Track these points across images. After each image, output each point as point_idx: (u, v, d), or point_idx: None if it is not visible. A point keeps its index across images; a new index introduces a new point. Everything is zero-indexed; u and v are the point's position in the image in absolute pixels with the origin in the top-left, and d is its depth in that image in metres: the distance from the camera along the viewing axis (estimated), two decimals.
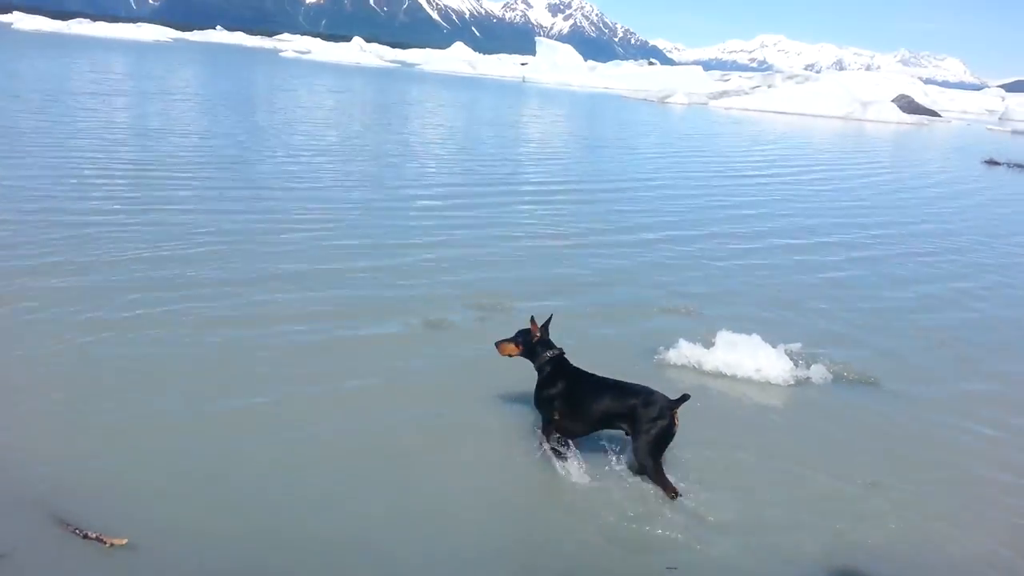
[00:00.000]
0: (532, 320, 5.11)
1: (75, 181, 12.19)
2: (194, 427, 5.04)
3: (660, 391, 4.79)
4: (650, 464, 4.62)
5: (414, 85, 60.86)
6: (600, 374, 5.02)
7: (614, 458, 4.93)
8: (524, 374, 5.28)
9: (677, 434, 4.72)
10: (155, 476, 4.45)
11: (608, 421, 4.78)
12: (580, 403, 4.80)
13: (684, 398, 4.70)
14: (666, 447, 4.69)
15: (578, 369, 4.99)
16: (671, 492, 4.60)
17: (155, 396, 5.41)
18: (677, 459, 5.10)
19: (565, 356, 5.04)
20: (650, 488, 4.71)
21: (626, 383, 4.86)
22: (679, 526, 4.39)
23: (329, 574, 3.79)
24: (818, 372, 6.73)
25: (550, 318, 5.19)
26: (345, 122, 27.14)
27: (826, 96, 62.97)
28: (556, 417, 4.86)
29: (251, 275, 8.21)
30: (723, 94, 70.08)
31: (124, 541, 3.81)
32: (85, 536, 3.83)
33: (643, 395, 4.70)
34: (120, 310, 6.89)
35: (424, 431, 5.30)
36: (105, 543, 3.79)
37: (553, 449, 4.89)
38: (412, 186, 14.79)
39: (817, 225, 14.26)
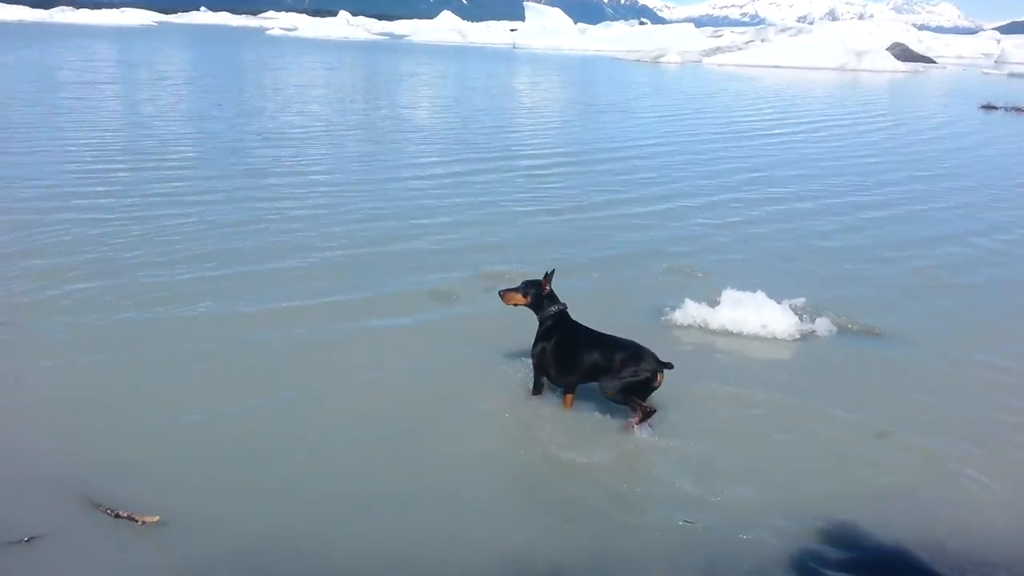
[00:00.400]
0: (546, 275, 5.29)
1: (73, 173, 12.20)
2: (215, 407, 5.13)
3: (652, 350, 4.95)
4: (613, 399, 4.94)
5: (404, 57, 60.30)
6: (605, 332, 5.17)
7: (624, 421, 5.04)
8: (528, 333, 5.41)
9: (672, 393, 4.96)
10: (181, 456, 4.55)
11: (595, 374, 5.01)
12: (572, 356, 5.05)
13: (668, 365, 4.92)
14: (632, 394, 4.88)
15: (576, 324, 5.23)
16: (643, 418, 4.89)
17: (172, 380, 5.50)
18: (688, 415, 5.21)
19: (567, 312, 5.26)
20: (658, 445, 4.82)
21: (620, 339, 5.05)
22: (691, 480, 4.49)
23: (355, 543, 3.89)
24: (823, 325, 6.81)
25: (552, 271, 5.36)
26: (338, 100, 26.97)
27: (820, 48, 62.42)
28: (548, 370, 5.16)
29: (255, 258, 8.26)
30: (716, 51, 69.46)
31: (156, 519, 3.91)
32: (117, 516, 3.93)
33: (630, 350, 4.92)
34: (135, 296, 6.97)
35: (431, 398, 5.39)
36: (137, 521, 3.90)
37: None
38: (409, 163, 14.74)
39: (820, 181, 14.23)
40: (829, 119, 26.05)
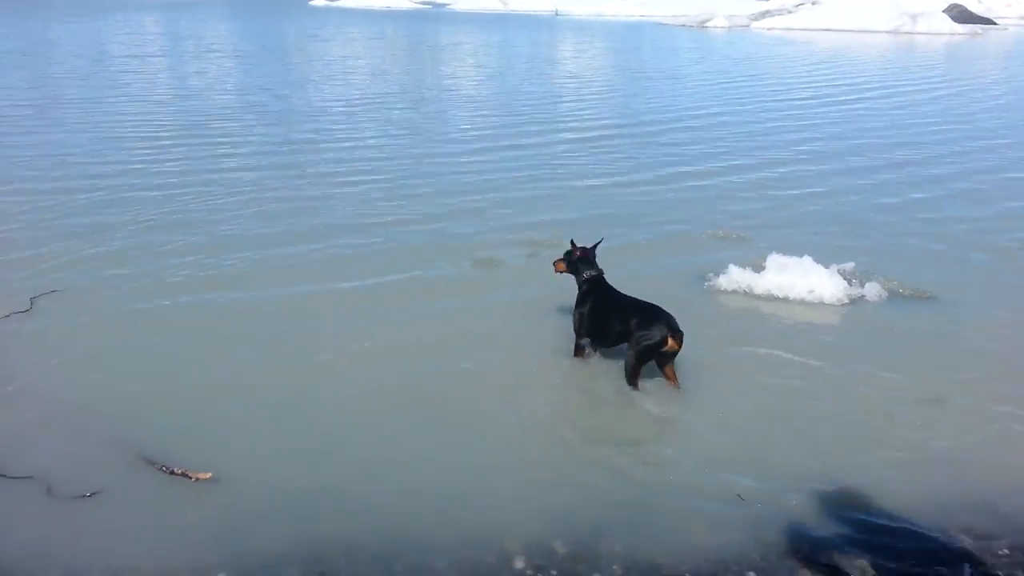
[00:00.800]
0: (571, 242, 5.53)
1: (124, 144, 12.48)
2: (263, 375, 5.25)
3: (671, 315, 4.94)
4: (628, 366, 4.95)
5: (446, 26, 59.93)
6: (644, 299, 5.17)
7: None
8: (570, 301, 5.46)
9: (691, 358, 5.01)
10: (233, 416, 4.69)
11: (619, 338, 5.08)
12: (599, 320, 5.19)
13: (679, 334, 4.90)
14: (648, 359, 4.92)
15: (610, 289, 5.30)
16: (632, 386, 4.96)
17: (221, 349, 5.63)
18: (730, 379, 5.18)
19: (603, 277, 5.35)
20: (700, 409, 4.81)
21: (642, 304, 5.08)
22: (732, 443, 4.47)
23: (395, 501, 3.97)
24: (873, 290, 6.67)
25: (598, 243, 5.53)
26: (381, 71, 26.97)
27: (873, 10, 60.22)
28: (583, 331, 5.28)
29: (301, 229, 8.33)
30: (765, 14, 67.53)
31: (209, 475, 4.04)
32: (172, 472, 4.07)
33: (644, 313, 4.95)
34: (186, 269, 7.14)
35: (473, 365, 5.43)
36: (191, 478, 4.03)
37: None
38: (454, 131, 14.73)
39: (875, 145, 13.77)
40: (885, 84, 25.18)
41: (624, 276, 5.75)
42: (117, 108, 16.05)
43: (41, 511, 3.83)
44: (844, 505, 3.96)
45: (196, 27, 45.31)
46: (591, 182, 10.73)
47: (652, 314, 4.93)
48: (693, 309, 6.39)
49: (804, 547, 3.68)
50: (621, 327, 4.99)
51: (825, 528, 3.81)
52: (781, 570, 3.53)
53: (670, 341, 4.83)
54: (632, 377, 4.95)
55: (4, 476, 4.02)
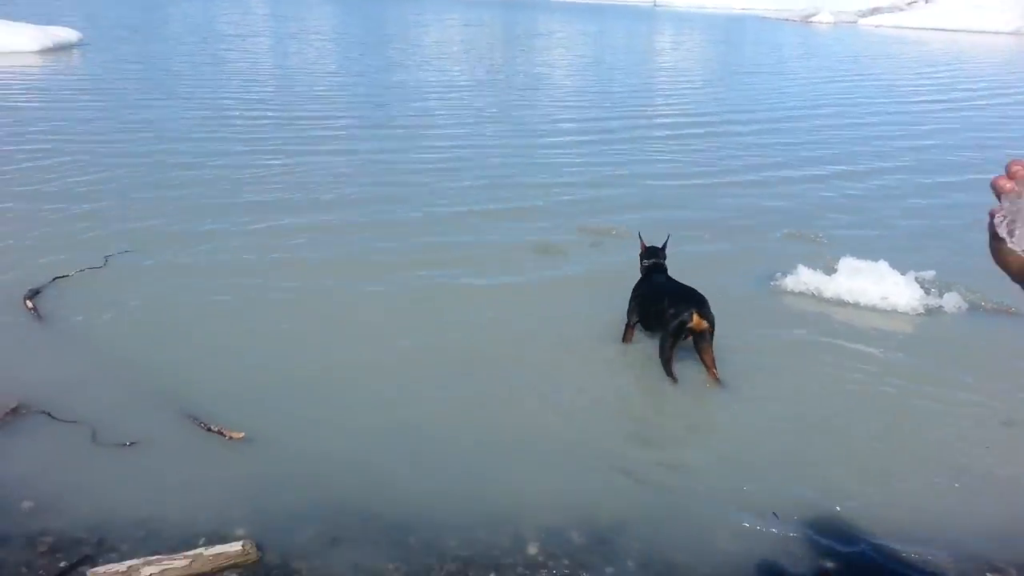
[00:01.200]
0: (639, 235, 5.76)
1: (224, 120, 12.88)
2: (311, 342, 5.35)
3: (703, 296, 4.93)
4: (661, 347, 4.94)
5: (542, 15, 59.78)
6: (703, 292, 5.04)
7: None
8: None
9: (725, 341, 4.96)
10: (272, 382, 4.77)
11: (659, 318, 5.04)
12: (644, 303, 5.31)
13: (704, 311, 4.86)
14: (679, 338, 4.87)
15: (661, 276, 5.38)
16: (671, 378, 4.88)
17: (270, 314, 5.74)
18: (786, 382, 4.97)
19: (660, 264, 5.44)
20: (752, 410, 4.62)
21: (679, 287, 5.17)
22: (782, 449, 4.27)
23: (423, 477, 3.96)
24: (952, 301, 6.26)
25: (668, 238, 5.66)
26: (475, 56, 27.14)
27: (994, 9, 56.79)
28: (632, 315, 5.38)
29: (376, 215, 8.22)
30: (874, 11, 64.70)
31: (242, 435, 4.13)
32: (208, 429, 4.18)
33: (677, 294, 5.05)
34: (260, 237, 7.34)
35: (518, 343, 5.41)
36: (225, 436, 4.13)
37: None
38: (543, 120, 14.61)
39: (987, 158, 12.63)
40: (1008, 91, 23.60)
41: (689, 270, 5.63)
42: (220, 83, 16.60)
43: (84, 454, 3.99)
44: (887, 527, 3.70)
45: (297, 9, 46.60)
46: (676, 179, 10.31)
47: (683, 295, 5.01)
48: (755, 308, 6.18)
49: (836, 568, 3.46)
50: (657, 308, 5.06)
51: (863, 551, 3.56)
52: None
53: (696, 318, 4.79)
54: (666, 361, 4.90)
55: (53, 418, 4.22)
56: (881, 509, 3.83)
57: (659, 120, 15.32)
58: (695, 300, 4.90)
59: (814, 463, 4.20)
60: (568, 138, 12.97)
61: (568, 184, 9.75)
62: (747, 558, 3.46)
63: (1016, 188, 1.01)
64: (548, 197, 9.11)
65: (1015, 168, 1.05)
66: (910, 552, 3.54)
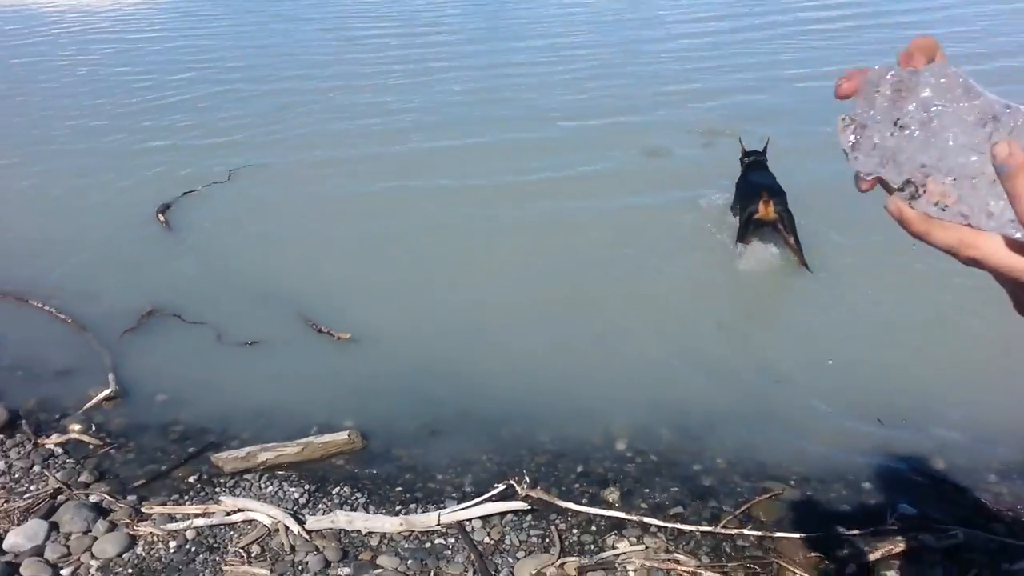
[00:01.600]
0: (739, 140, 5.63)
1: (353, 43, 13.04)
2: (417, 251, 5.50)
3: (779, 187, 4.93)
4: (738, 236, 4.99)
5: None
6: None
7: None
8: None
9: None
10: (379, 290, 5.00)
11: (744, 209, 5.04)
12: (736, 198, 5.37)
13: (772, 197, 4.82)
14: (749, 223, 4.90)
15: (755, 169, 5.32)
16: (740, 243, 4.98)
17: (382, 227, 5.85)
18: (897, 288, 4.65)
19: (758, 162, 5.36)
20: (856, 321, 4.42)
21: (756, 182, 5.12)
22: (887, 370, 4.03)
23: (514, 375, 4.08)
24: None
25: (768, 141, 5.50)
26: None
27: None
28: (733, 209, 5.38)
29: (481, 118, 8.25)
30: None
31: (348, 336, 4.39)
32: (319, 330, 4.46)
33: (747, 188, 5.12)
34: (363, 156, 7.43)
35: (621, 248, 5.32)
36: (334, 336, 4.39)
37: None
38: (672, 18, 13.68)
39: None
40: None
41: (796, 175, 5.39)
42: (344, 6, 16.66)
43: (210, 352, 4.37)
44: (998, 436, 3.49)
45: None
46: (798, 71, 9.54)
47: (755, 186, 5.03)
48: (863, 210, 5.80)
49: (931, 479, 3.30)
50: (741, 203, 5.14)
51: (962, 467, 3.35)
52: (898, 488, 3.23)
53: (763, 207, 4.79)
54: (739, 238, 5.00)
55: (183, 320, 4.60)
56: (991, 419, 3.61)
57: (792, 6, 13.86)
58: (766, 187, 4.91)
59: (925, 378, 3.95)
60: (687, 29, 12.17)
61: (700, 89, 9.15)
62: (843, 461, 3.38)
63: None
64: (663, 96, 8.58)
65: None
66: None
